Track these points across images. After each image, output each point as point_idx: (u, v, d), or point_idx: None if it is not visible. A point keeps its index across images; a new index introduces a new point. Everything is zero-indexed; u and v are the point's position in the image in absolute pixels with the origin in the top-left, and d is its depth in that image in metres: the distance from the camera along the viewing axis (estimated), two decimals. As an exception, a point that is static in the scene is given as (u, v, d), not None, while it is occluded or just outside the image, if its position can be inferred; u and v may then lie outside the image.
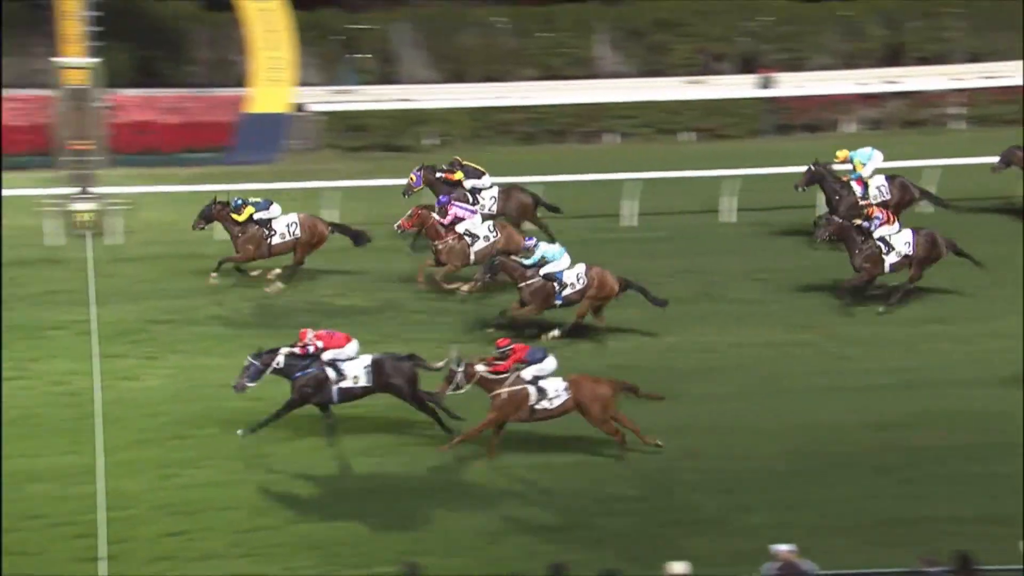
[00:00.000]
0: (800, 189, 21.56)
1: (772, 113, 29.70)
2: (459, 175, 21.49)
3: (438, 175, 21.47)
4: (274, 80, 25.91)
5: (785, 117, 29.71)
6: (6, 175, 21.09)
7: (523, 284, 18.23)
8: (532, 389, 15.19)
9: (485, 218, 20.93)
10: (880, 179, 21.45)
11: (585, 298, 18.26)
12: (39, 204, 21.91)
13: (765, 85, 29.72)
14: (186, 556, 13.19)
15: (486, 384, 15.23)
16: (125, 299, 19.44)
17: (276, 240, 20.01)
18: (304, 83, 27.87)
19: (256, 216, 19.99)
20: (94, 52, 22.58)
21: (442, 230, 19.87)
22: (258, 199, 20.37)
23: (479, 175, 21.64)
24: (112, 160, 24.52)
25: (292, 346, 15.52)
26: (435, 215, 19.95)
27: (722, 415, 16.39)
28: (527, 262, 18.27)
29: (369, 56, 29.60)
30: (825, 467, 15.23)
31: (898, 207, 21.18)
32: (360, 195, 23.22)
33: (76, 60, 22.22)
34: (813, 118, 29.78)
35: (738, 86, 29.96)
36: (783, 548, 11.68)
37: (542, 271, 18.20)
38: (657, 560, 12.18)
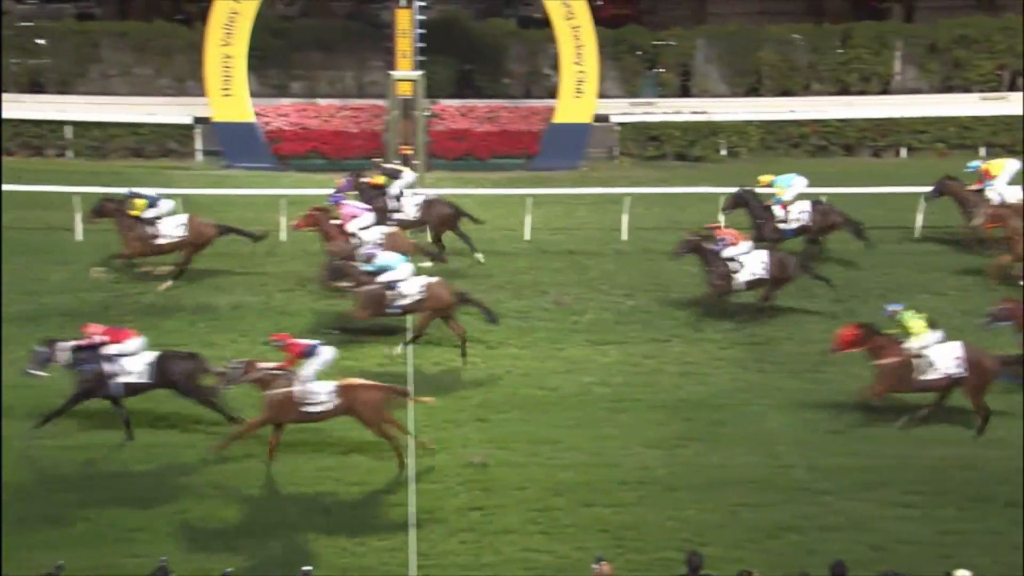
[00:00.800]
0: (726, 212, 20.89)
1: (1073, 130, 27.90)
2: (382, 179, 21.03)
3: (362, 180, 21.03)
4: (579, 92, 26.26)
5: (1087, 134, 27.84)
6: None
7: (360, 289, 17.42)
8: (300, 390, 14.48)
9: (407, 225, 20.54)
10: (804, 204, 20.56)
11: (422, 310, 17.47)
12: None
13: (1067, 101, 27.95)
14: (485, 530, 13.50)
15: (261, 383, 14.58)
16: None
17: (161, 240, 19.67)
18: (606, 95, 28.23)
19: (145, 214, 19.68)
20: (420, 66, 23.54)
21: (334, 232, 19.20)
22: (152, 194, 20.03)
23: (398, 174, 21.24)
24: (432, 164, 25.57)
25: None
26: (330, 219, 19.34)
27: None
28: (368, 268, 17.49)
29: (665, 71, 29.62)
30: None
31: (821, 231, 20.57)
32: (653, 201, 23.31)
33: (405, 73, 23.18)
34: (1117, 136, 27.78)
35: (1038, 102, 28.32)
36: None
37: (381, 278, 17.35)
38: (940, 567, 11.74)
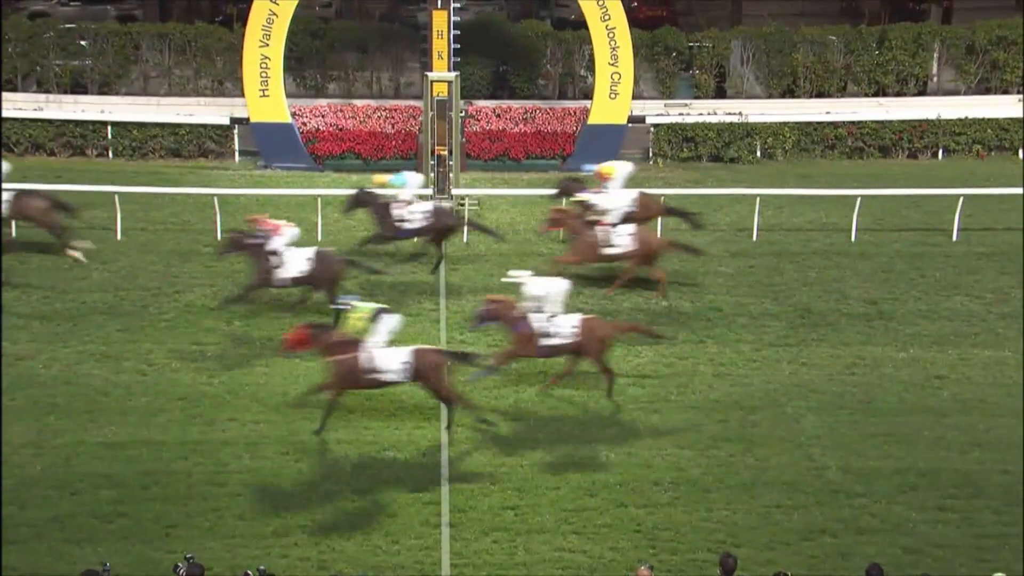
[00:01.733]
0: (345, 213, 20.87)
1: (1115, 132, 27.55)
2: None
3: None
4: (614, 94, 26.14)
5: None
6: (379, 178, 21.71)
7: None
8: None
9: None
10: (427, 205, 20.61)
11: None
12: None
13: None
14: (518, 529, 13.47)
15: None
16: (469, 292, 20.01)
17: None
18: (641, 96, 28.04)
19: None
20: (455, 67, 23.53)
21: None
22: None
23: None
24: (467, 164, 25.52)
25: None
26: None
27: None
28: None
29: (700, 72, 29.43)
30: None
31: (439, 232, 20.42)
32: (687, 203, 23.10)
33: (441, 74, 23.17)
34: None
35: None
36: None
37: None
38: (976, 571, 11.55)
